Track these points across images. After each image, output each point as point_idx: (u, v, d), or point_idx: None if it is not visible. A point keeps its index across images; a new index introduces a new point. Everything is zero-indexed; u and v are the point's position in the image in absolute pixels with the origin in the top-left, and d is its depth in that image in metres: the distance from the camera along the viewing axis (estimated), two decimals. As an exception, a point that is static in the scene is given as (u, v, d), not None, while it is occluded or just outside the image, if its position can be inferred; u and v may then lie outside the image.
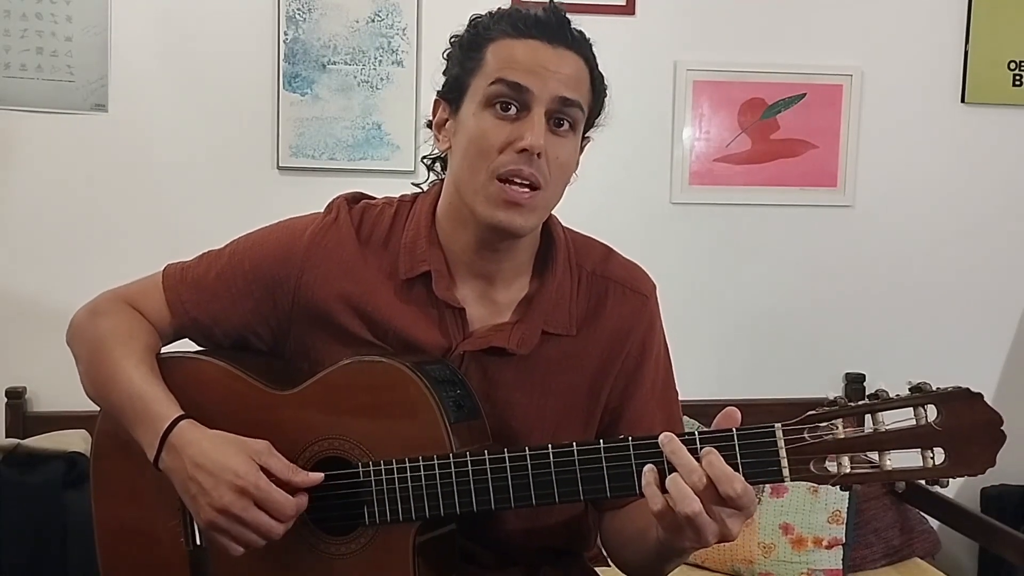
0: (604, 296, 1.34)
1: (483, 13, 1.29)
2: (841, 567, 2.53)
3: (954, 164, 2.94)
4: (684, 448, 1.06)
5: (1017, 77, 2.91)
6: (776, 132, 2.85)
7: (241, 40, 2.65)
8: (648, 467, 1.07)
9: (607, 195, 2.73)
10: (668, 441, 1.07)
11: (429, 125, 1.34)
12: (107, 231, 2.62)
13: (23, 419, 2.55)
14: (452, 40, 1.31)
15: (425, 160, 1.40)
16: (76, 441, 2.44)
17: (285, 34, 2.65)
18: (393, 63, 2.68)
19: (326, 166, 2.67)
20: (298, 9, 2.64)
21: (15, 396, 2.56)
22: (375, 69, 2.68)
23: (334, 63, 2.67)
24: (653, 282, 1.38)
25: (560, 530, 1.37)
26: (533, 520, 1.34)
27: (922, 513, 2.77)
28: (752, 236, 2.88)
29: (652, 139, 2.78)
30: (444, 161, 1.36)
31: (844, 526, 2.53)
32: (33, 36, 2.56)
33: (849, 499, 2.55)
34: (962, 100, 2.91)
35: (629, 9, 2.72)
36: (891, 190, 2.92)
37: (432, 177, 1.39)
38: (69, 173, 2.61)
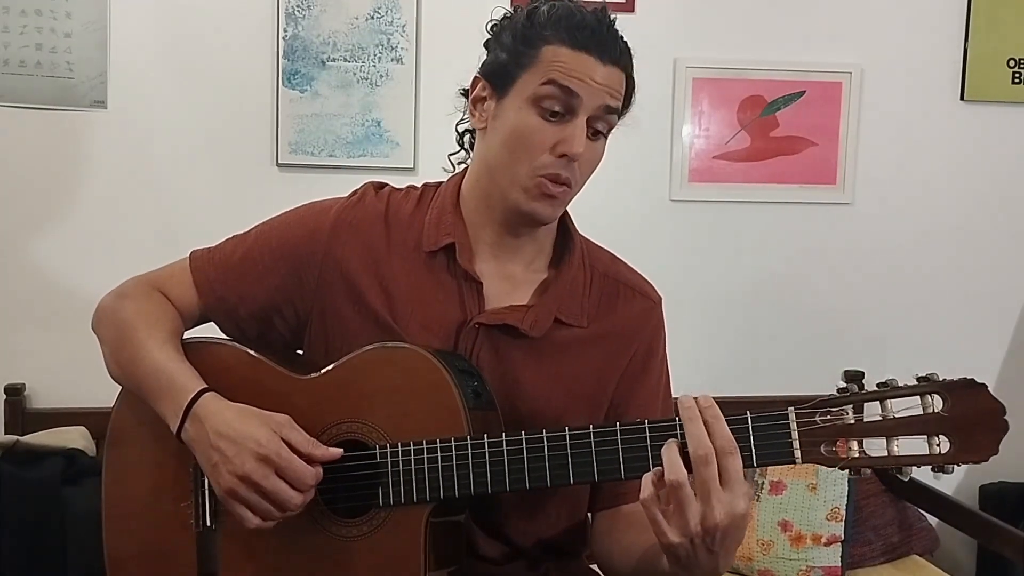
0: (615, 296, 1.40)
1: (540, 5, 1.30)
2: (840, 564, 2.53)
3: (953, 162, 2.94)
4: (723, 417, 1.08)
5: (1016, 75, 2.91)
6: (775, 129, 2.85)
7: (241, 37, 2.64)
8: (655, 468, 1.10)
9: (607, 192, 2.70)
10: (710, 405, 1.09)
11: (465, 95, 1.37)
12: (107, 228, 2.62)
13: (22, 415, 2.55)
14: (504, 20, 1.33)
15: (459, 128, 1.43)
16: (75, 438, 2.44)
17: (284, 31, 2.65)
18: (392, 60, 2.68)
19: (325, 163, 2.67)
20: (297, 6, 2.64)
21: (14, 393, 2.56)
22: (375, 66, 2.68)
23: (333, 60, 2.67)
24: (660, 294, 1.45)
25: (562, 527, 1.39)
26: (538, 516, 1.36)
27: (921, 510, 2.78)
28: (751, 233, 2.88)
29: (652, 136, 2.79)
30: (473, 134, 1.40)
31: (843, 523, 2.54)
32: (32, 33, 2.55)
33: (848, 496, 2.55)
34: (961, 98, 2.91)
35: (628, 6, 2.72)
36: (890, 188, 2.92)
37: (462, 152, 1.43)
38: (68, 170, 2.60)
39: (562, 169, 1.26)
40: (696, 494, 1.06)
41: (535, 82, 1.26)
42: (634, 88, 1.35)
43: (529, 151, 1.26)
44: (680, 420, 1.11)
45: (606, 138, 1.32)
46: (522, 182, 1.27)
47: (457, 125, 1.43)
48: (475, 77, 1.35)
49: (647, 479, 1.09)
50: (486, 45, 1.35)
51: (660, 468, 1.09)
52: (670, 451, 1.08)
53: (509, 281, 1.36)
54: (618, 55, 1.28)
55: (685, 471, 1.06)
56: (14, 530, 2.29)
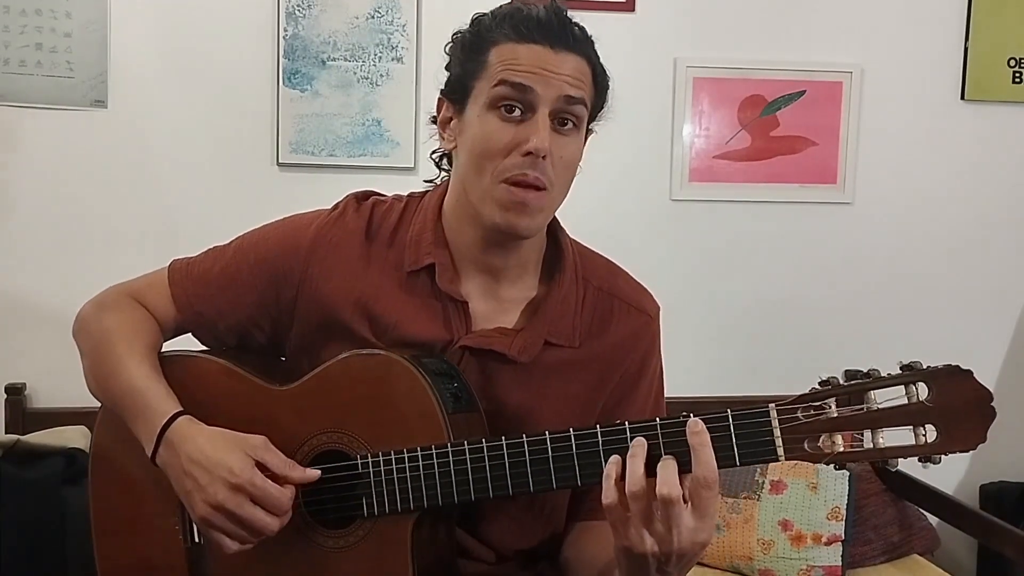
0: (609, 313, 1.34)
1: (486, 12, 1.28)
2: (840, 564, 2.53)
3: (954, 161, 2.94)
4: (710, 446, 1.05)
5: (1017, 74, 2.91)
6: (776, 129, 2.85)
7: (241, 36, 2.64)
8: (614, 457, 1.07)
9: (607, 192, 2.73)
10: (700, 431, 1.06)
11: (434, 121, 1.34)
12: (106, 227, 2.62)
13: (22, 415, 2.56)
14: (454, 37, 1.31)
15: (433, 156, 1.40)
16: (75, 437, 2.44)
17: (285, 30, 2.65)
18: (393, 59, 2.68)
19: (326, 163, 2.67)
20: (298, 5, 2.64)
21: (14, 392, 2.56)
22: (375, 65, 2.68)
23: (334, 59, 2.67)
24: (658, 304, 1.39)
25: (548, 539, 1.38)
26: (525, 532, 1.35)
27: (921, 510, 2.77)
28: (751, 233, 2.88)
29: (652, 136, 2.78)
30: (451, 157, 1.36)
31: (843, 523, 2.54)
32: (32, 32, 2.55)
33: (848, 496, 2.55)
34: (962, 97, 2.91)
35: (629, 6, 2.72)
36: (890, 187, 2.92)
37: (443, 174, 1.39)
38: (68, 169, 2.60)
39: (529, 169, 1.20)
40: (659, 518, 1.03)
41: (488, 86, 1.22)
42: (606, 80, 1.29)
43: (493, 157, 1.21)
44: (660, 422, 1.09)
45: (581, 132, 1.26)
46: (491, 192, 1.22)
47: (432, 154, 1.39)
48: (439, 99, 1.32)
49: (609, 483, 1.06)
50: (446, 67, 1.32)
51: (619, 460, 1.07)
52: (634, 462, 1.05)
53: (496, 300, 1.32)
54: (572, 42, 1.23)
55: (644, 482, 1.03)
56: (14, 529, 2.29)
